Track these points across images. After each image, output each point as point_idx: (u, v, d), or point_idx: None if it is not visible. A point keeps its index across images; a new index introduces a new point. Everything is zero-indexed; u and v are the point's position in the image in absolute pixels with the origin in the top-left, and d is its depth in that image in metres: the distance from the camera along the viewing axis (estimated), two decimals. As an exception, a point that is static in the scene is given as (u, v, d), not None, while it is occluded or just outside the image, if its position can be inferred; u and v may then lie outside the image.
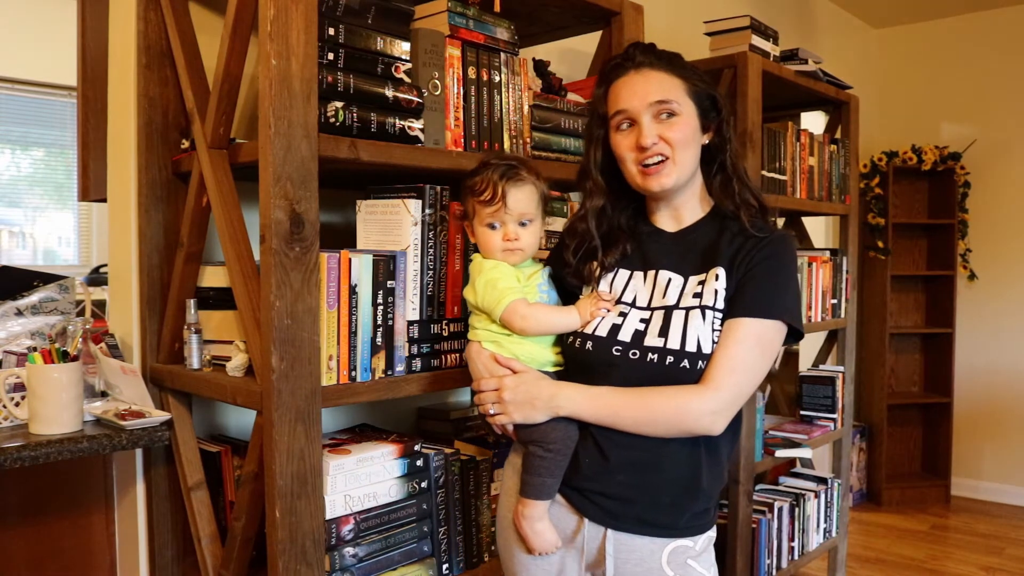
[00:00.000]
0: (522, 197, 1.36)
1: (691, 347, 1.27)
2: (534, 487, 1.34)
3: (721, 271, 1.31)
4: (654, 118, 1.33)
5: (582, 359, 1.36)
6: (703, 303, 1.29)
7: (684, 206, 1.40)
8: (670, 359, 1.27)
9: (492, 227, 1.37)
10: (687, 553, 1.32)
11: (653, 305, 1.34)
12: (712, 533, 1.37)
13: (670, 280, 1.35)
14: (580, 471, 1.34)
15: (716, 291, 1.30)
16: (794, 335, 1.33)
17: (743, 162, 1.41)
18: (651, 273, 1.38)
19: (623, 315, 1.35)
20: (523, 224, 1.37)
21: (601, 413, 1.30)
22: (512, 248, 1.37)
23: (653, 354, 1.28)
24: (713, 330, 1.28)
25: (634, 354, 1.30)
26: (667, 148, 1.32)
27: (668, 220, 1.42)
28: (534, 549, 1.37)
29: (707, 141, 1.39)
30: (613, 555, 1.32)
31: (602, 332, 1.34)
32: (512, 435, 1.39)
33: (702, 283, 1.32)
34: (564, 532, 1.37)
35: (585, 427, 1.33)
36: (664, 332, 1.29)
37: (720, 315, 1.29)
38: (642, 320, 1.33)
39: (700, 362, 1.27)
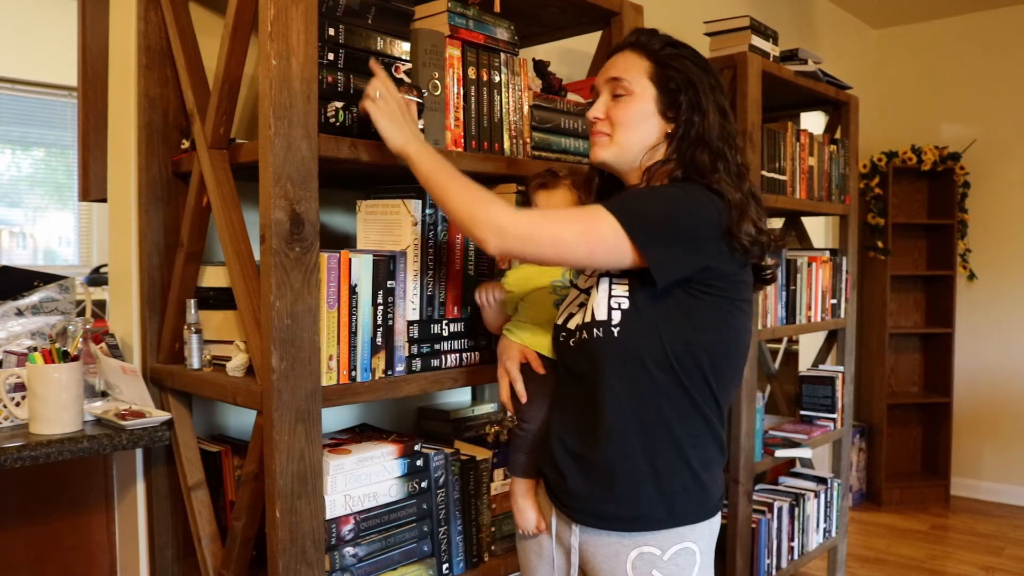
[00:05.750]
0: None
1: (600, 316, 1.28)
2: (510, 463, 1.48)
3: None
4: (611, 96, 1.35)
5: (558, 351, 1.42)
6: (601, 272, 1.32)
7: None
8: (585, 334, 1.31)
9: None
10: (654, 563, 1.27)
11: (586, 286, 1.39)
12: (689, 545, 1.28)
13: None
14: (549, 462, 1.38)
15: None
16: (642, 250, 1.21)
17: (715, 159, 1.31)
18: None
19: (582, 305, 1.37)
20: None
21: (428, 174, 1.30)
22: None
23: (581, 331, 1.32)
24: (610, 296, 1.28)
25: (572, 338, 1.35)
26: (607, 126, 1.35)
27: None
28: (517, 525, 1.45)
29: (670, 130, 1.32)
30: (578, 548, 1.34)
31: (559, 321, 1.40)
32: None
33: None
34: (548, 519, 1.42)
35: (547, 421, 1.40)
36: (583, 308, 1.34)
37: (618, 280, 1.28)
38: (579, 304, 1.37)
39: (605, 328, 1.27)
